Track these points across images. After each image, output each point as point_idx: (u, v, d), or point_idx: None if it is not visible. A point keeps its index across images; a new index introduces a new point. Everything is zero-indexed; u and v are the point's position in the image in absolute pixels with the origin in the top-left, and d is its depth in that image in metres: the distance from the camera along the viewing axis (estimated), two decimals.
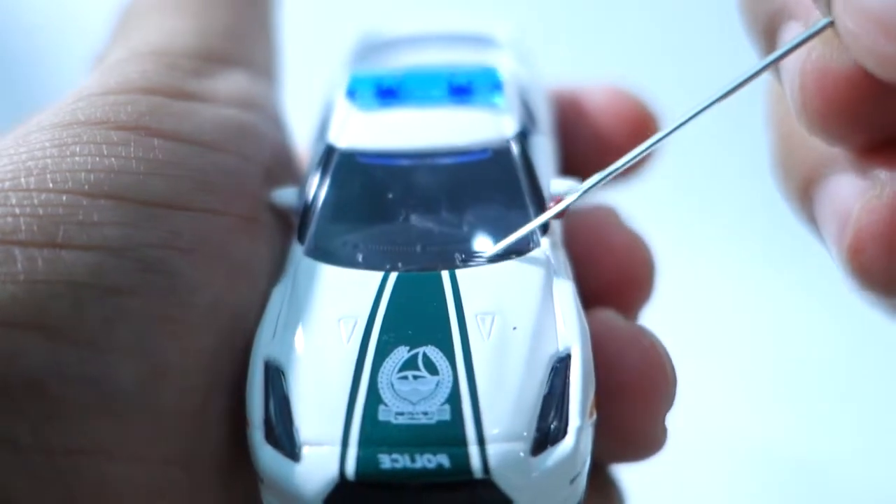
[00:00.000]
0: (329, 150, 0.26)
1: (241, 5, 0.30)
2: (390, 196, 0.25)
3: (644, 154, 0.25)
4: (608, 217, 0.29)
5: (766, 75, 0.24)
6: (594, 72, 0.34)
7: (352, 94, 0.27)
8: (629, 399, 0.25)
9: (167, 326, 0.22)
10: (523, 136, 0.26)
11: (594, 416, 0.22)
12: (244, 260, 0.24)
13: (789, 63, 0.23)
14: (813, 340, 0.56)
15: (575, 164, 0.32)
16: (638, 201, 0.32)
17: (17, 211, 0.21)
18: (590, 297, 0.27)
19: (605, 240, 0.28)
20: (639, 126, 0.33)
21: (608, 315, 0.26)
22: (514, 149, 0.26)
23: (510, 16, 0.33)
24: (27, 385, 0.19)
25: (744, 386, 0.52)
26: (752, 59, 0.26)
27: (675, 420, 0.25)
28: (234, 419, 0.23)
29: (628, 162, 0.24)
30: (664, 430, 0.25)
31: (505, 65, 0.30)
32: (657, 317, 0.29)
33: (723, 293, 0.54)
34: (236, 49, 0.28)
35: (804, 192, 0.27)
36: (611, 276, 0.28)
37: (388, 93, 0.27)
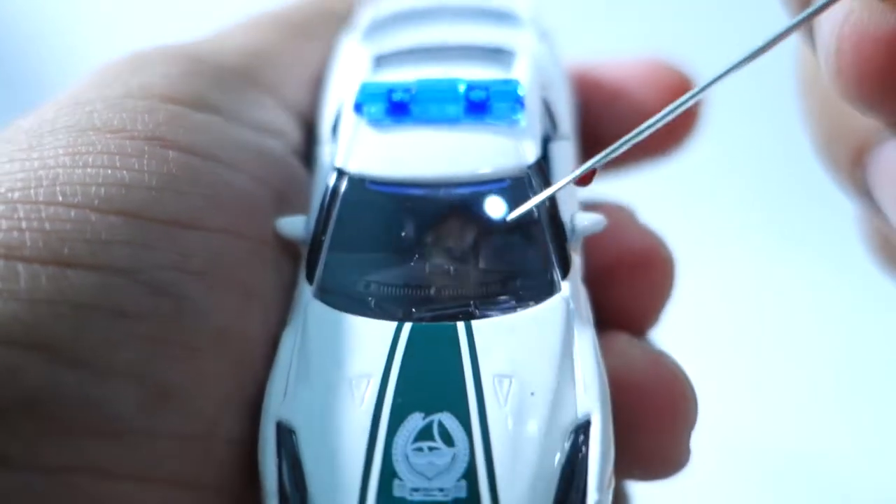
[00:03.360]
0: (338, 175, 0.25)
1: (294, 40, 0.29)
2: (402, 230, 0.24)
3: (663, 119, 0.24)
4: (621, 217, 0.28)
5: (799, 43, 0.23)
6: (615, 46, 0.32)
7: (359, 107, 0.25)
8: (654, 428, 0.24)
9: (173, 351, 0.21)
10: (543, 155, 0.25)
11: (612, 485, 0.22)
12: (255, 285, 0.24)
13: (825, 28, 0.22)
14: (813, 335, 0.55)
15: (613, 142, 0.31)
16: (645, 196, 0.31)
17: (24, 225, 0.21)
18: (606, 303, 0.26)
19: (621, 241, 0.27)
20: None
21: (624, 343, 0.25)
22: (534, 179, 0.24)
23: None
24: (23, 404, 0.19)
25: (741, 381, 0.52)
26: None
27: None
28: (243, 444, 0.22)
29: (647, 127, 0.24)
30: (688, 451, 0.25)
31: (526, 45, 0.28)
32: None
33: (717, 289, 0.53)
34: (271, 76, 0.28)
35: (855, 161, 0.26)
36: (629, 279, 0.27)
37: (400, 107, 0.25)
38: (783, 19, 0.25)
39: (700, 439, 0.25)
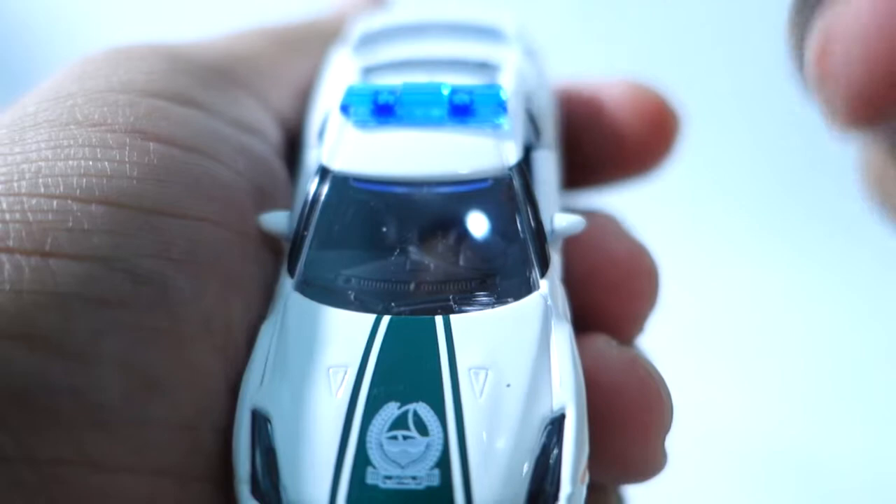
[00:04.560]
0: (322, 173, 0.25)
1: (281, 52, 0.30)
2: (384, 226, 0.24)
3: None
4: (608, 225, 0.28)
5: None
6: (601, 65, 0.33)
7: (345, 109, 0.25)
8: (627, 429, 0.24)
9: (157, 339, 0.21)
10: (526, 162, 0.25)
11: (587, 480, 0.22)
12: (236, 273, 0.24)
13: None
14: (809, 337, 0.55)
15: (592, 161, 0.31)
16: (637, 206, 0.31)
17: (7, 217, 0.21)
18: (591, 311, 0.26)
19: (606, 250, 0.27)
20: (659, 122, 0.32)
21: (602, 343, 0.25)
22: (515, 180, 0.25)
23: (515, 6, 0.32)
24: (11, 395, 0.19)
25: (738, 382, 0.52)
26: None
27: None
28: (229, 433, 0.22)
29: None
30: (664, 454, 0.25)
31: (511, 60, 0.28)
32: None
33: (714, 289, 0.53)
34: (255, 80, 0.28)
35: None
36: (613, 287, 0.27)
37: (385, 109, 0.25)
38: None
39: (697, 440, 0.25)
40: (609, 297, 0.27)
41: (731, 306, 0.53)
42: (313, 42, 0.32)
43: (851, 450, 0.51)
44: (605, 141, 0.31)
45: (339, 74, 0.29)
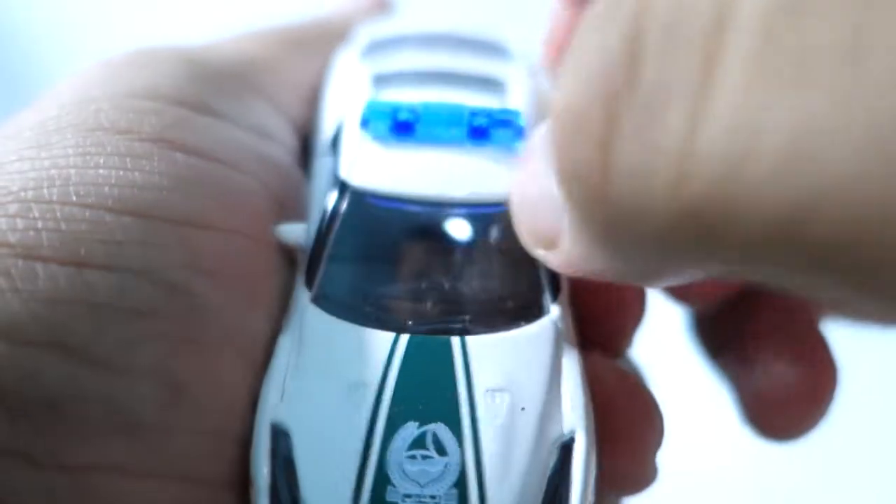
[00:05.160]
0: (341, 187, 0.25)
1: (291, 53, 0.30)
2: (401, 244, 0.25)
3: None
4: None
5: None
6: None
7: (365, 123, 0.26)
8: (619, 445, 0.25)
9: (187, 348, 0.22)
10: None
11: (593, 501, 0.23)
12: (261, 285, 0.24)
13: None
14: None
15: None
16: None
17: (40, 225, 0.21)
18: (581, 327, 0.27)
19: None
20: None
21: (593, 361, 0.26)
22: None
23: (518, 16, 0.32)
24: (45, 404, 0.20)
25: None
26: None
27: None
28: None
29: None
30: (654, 469, 0.26)
31: (518, 79, 0.29)
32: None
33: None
34: (268, 84, 0.28)
35: None
36: (601, 302, 0.28)
37: (405, 126, 0.26)
38: None
39: (688, 452, 0.26)
40: (597, 311, 0.28)
41: None
42: (322, 44, 0.32)
43: (844, 472, 0.53)
44: None
45: (350, 80, 0.29)
